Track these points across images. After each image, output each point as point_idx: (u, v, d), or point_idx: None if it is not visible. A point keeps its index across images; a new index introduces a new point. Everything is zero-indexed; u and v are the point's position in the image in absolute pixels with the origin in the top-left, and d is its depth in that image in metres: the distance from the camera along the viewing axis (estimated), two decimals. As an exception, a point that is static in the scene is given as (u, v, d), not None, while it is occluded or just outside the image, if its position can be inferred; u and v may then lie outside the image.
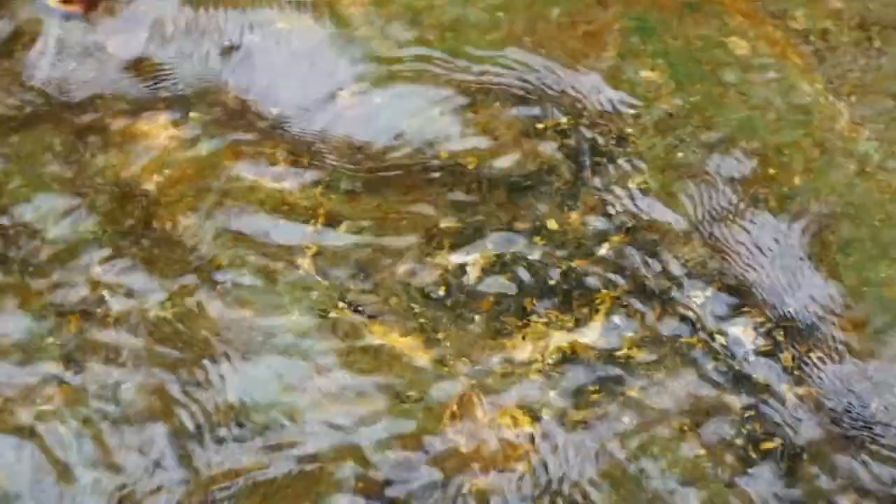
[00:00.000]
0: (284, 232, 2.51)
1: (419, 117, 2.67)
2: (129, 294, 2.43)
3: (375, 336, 2.40)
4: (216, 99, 2.69)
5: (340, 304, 2.42)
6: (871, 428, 2.31)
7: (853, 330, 2.40)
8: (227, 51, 2.75)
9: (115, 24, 2.78)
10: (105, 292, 2.43)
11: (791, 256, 2.49)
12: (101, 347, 2.38)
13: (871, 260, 2.47)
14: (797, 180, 2.57)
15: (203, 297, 2.43)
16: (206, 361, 2.36)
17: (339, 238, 2.50)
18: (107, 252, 2.48)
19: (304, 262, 2.47)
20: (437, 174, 2.59)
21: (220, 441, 2.29)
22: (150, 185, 2.56)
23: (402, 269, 2.47)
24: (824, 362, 2.38)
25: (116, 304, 2.42)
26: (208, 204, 2.53)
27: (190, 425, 2.30)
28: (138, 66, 2.73)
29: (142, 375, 2.34)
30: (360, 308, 2.42)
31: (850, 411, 2.33)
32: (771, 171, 2.58)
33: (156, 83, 2.71)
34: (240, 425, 2.30)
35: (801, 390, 2.35)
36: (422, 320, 2.42)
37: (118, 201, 2.54)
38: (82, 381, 2.34)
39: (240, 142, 2.63)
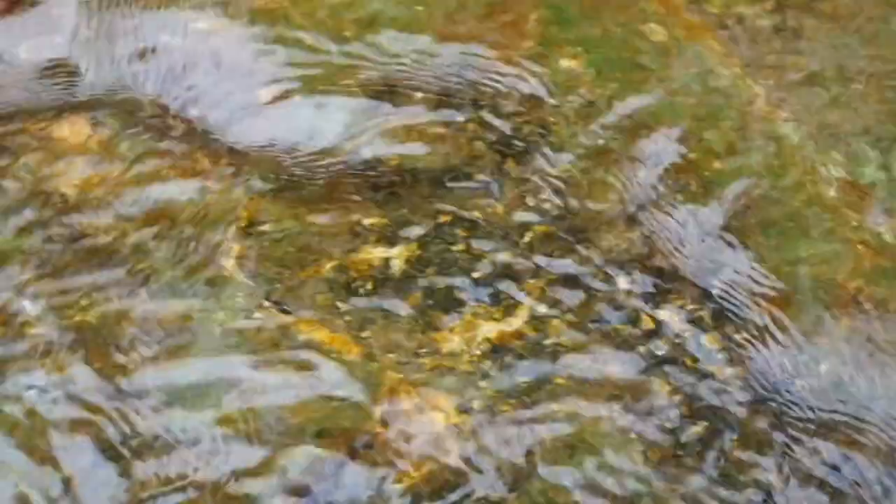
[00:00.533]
0: (207, 234, 2.49)
1: (340, 114, 2.66)
2: (51, 300, 2.40)
3: (302, 334, 2.39)
4: (134, 103, 2.67)
5: (266, 304, 2.41)
6: (797, 406, 2.33)
7: (777, 310, 2.42)
8: (145, 53, 2.72)
9: (28, 29, 2.75)
10: (26, 300, 2.40)
11: (715, 239, 2.51)
12: (21, 354, 2.35)
13: (792, 240, 2.49)
14: (718, 164, 2.59)
15: (126, 301, 2.41)
16: (130, 366, 2.34)
17: (263, 238, 2.49)
18: (27, 257, 2.45)
19: (228, 264, 2.45)
20: (359, 171, 2.58)
21: (145, 449, 2.27)
22: (69, 191, 2.53)
23: (327, 266, 2.46)
24: (750, 342, 2.39)
25: (37, 310, 2.39)
26: (129, 208, 2.51)
27: (114, 433, 2.27)
28: (54, 72, 2.70)
29: (63, 382, 2.32)
30: (286, 307, 2.41)
31: (776, 390, 2.34)
32: (692, 155, 2.60)
33: (72, 88, 2.68)
34: (166, 430, 2.28)
35: (727, 371, 2.37)
36: (349, 317, 2.41)
37: (37, 207, 2.51)
38: (1, 389, 2.32)
39: (159, 145, 2.61)
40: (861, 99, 2.65)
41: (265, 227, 2.50)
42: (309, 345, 2.37)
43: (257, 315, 2.40)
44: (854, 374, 2.35)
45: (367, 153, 2.60)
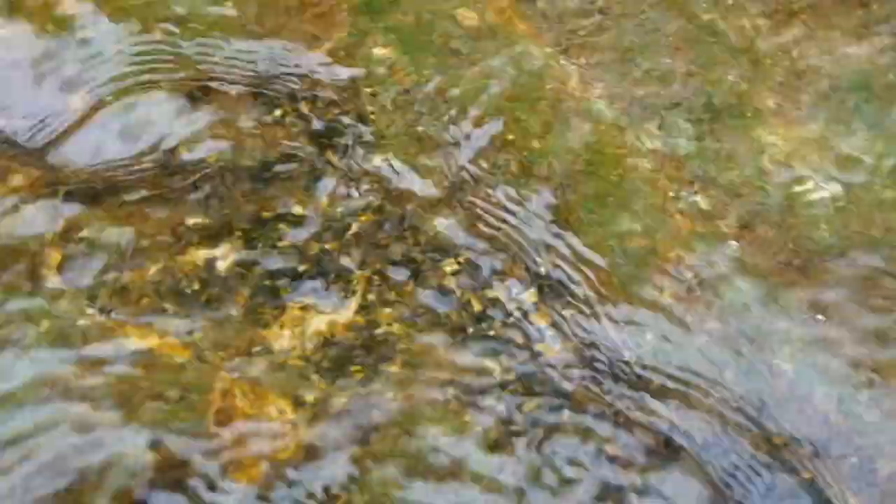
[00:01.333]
0: (25, 244, 2.44)
1: (155, 116, 2.62)
2: None
3: (130, 339, 2.35)
4: (-61, 114, 2.60)
5: (90, 311, 2.36)
6: (627, 375, 2.36)
7: (602, 283, 2.45)
8: (-54, 63, 2.66)
9: None
10: None
11: (538, 218, 2.53)
12: None
13: (612, 214, 2.53)
14: (536, 143, 2.61)
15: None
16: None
17: (84, 244, 2.44)
18: None
19: (48, 273, 2.40)
20: (178, 172, 2.55)
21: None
22: None
23: (151, 269, 2.43)
24: (578, 317, 2.42)
25: None
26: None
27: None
28: None
29: None
30: (111, 312, 2.37)
31: (606, 362, 2.38)
32: (510, 136, 2.62)
33: None
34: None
35: (558, 347, 2.39)
36: (177, 319, 2.38)
37: None
38: None
39: (-30, 156, 2.55)
40: (671, 72, 2.71)
41: (85, 234, 2.45)
42: (137, 349, 2.33)
43: (81, 322, 2.35)
44: (678, 340, 2.40)
45: (185, 153, 2.57)
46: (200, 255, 2.45)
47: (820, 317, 2.41)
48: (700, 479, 2.27)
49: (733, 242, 2.50)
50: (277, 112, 2.63)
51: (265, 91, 2.65)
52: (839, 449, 2.29)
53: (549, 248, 2.50)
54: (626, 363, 2.37)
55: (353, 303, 2.42)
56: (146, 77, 2.67)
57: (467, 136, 2.62)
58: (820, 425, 2.31)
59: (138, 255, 2.44)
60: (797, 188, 2.55)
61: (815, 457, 2.29)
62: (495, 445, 2.28)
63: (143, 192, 2.52)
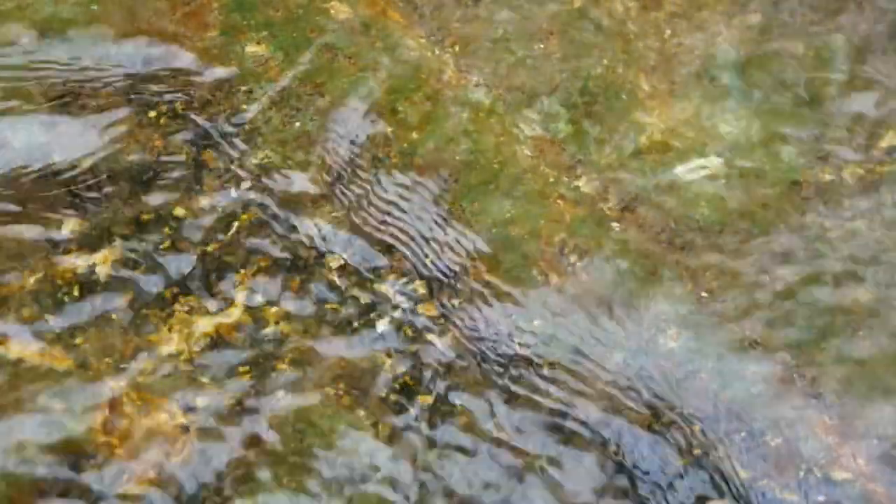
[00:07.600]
0: None
1: (25, 124, 2.57)
2: None
3: (11, 352, 2.30)
4: None
5: (-32, 324, 2.32)
6: (517, 363, 2.37)
7: (489, 272, 2.46)
8: None
9: None
10: None
11: (422, 209, 2.53)
12: None
13: (495, 202, 2.53)
14: (415, 135, 2.61)
15: None
16: None
17: (-42, 257, 2.40)
18: None
19: (-77, 287, 2.35)
20: (53, 178, 2.51)
21: None
22: None
23: (30, 279, 2.38)
24: (467, 307, 2.43)
25: None
26: None
27: None
28: None
29: None
30: (-10, 325, 2.33)
31: (495, 350, 2.38)
32: (389, 129, 2.61)
33: None
34: None
35: (448, 338, 2.39)
36: (59, 328, 2.34)
37: None
38: None
39: None
40: (545, 58, 2.72)
41: (-41, 246, 2.41)
42: (19, 362, 2.29)
43: (-41, 335, 2.31)
44: (567, 325, 2.41)
45: (59, 160, 2.52)
46: (80, 260, 2.41)
47: (704, 294, 2.44)
48: (593, 462, 2.28)
49: (616, 224, 2.52)
50: (152, 114, 2.59)
51: (138, 93, 2.61)
52: (728, 424, 2.32)
53: (433, 238, 2.49)
54: (516, 350, 2.38)
55: (240, 303, 2.39)
56: (14, 83, 2.61)
57: (346, 131, 2.60)
58: (708, 402, 2.34)
59: (16, 264, 2.39)
60: (676, 167, 2.58)
61: (705, 433, 2.31)
62: (390, 439, 2.28)
63: (19, 199, 2.47)
